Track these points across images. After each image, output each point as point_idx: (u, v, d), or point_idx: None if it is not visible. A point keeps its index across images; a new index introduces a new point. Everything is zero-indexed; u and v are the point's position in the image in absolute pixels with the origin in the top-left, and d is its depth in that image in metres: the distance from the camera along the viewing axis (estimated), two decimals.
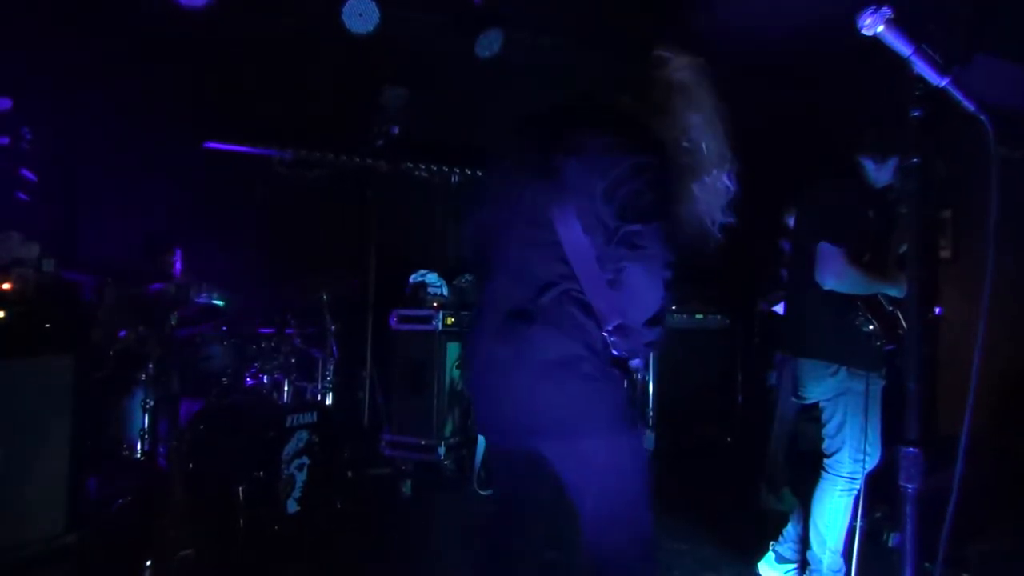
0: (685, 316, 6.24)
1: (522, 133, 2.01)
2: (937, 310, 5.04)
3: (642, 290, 1.76)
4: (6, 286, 2.92)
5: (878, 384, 2.86)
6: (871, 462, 2.87)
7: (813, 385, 2.97)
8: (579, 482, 1.85)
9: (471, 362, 1.95)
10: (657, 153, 1.84)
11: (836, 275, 2.74)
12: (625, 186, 1.75)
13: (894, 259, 2.96)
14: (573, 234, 1.76)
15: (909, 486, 1.21)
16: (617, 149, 1.81)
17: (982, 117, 1.21)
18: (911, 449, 1.21)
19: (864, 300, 2.83)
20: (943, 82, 1.23)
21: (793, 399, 3.24)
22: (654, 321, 1.81)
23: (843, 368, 2.85)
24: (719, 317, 6.33)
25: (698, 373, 6.20)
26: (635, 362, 1.90)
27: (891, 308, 2.89)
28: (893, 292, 2.88)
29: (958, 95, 1.23)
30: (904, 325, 2.86)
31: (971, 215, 5.32)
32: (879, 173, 2.95)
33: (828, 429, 2.94)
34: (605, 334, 1.77)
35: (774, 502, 4.28)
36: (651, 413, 6.01)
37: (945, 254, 5.60)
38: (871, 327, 2.81)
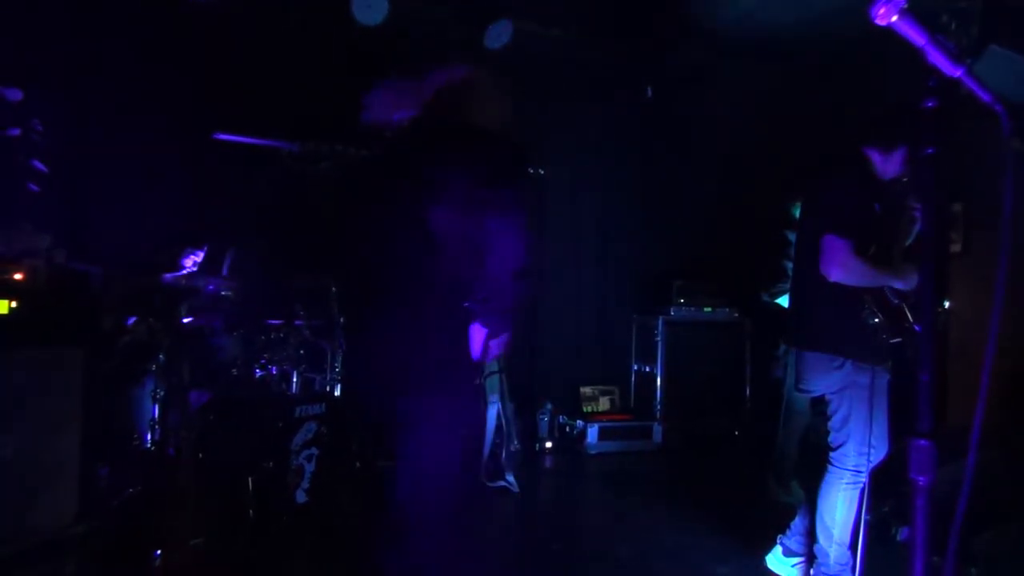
0: (693, 309, 6.23)
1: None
2: (946, 304, 5.02)
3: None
4: (17, 276, 2.93)
5: (884, 377, 2.85)
6: (877, 456, 2.86)
7: (818, 378, 2.96)
8: None
9: None
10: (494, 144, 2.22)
11: (841, 267, 2.73)
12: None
13: (900, 251, 2.95)
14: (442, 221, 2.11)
15: (920, 479, 1.20)
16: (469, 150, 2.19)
17: (997, 108, 1.20)
18: (923, 441, 1.20)
19: (870, 293, 2.82)
20: (957, 72, 1.22)
21: (796, 392, 3.23)
22: (522, 274, 2.04)
23: (848, 361, 2.84)
24: (727, 310, 6.32)
25: (706, 366, 6.20)
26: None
27: (897, 301, 2.87)
28: (899, 285, 2.87)
29: (973, 85, 1.21)
30: (910, 318, 2.87)
31: (982, 208, 5.27)
32: (886, 164, 2.91)
33: (833, 422, 2.93)
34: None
35: (782, 495, 4.28)
36: (659, 406, 6.03)
37: (955, 247, 5.56)
38: (876, 320, 2.80)
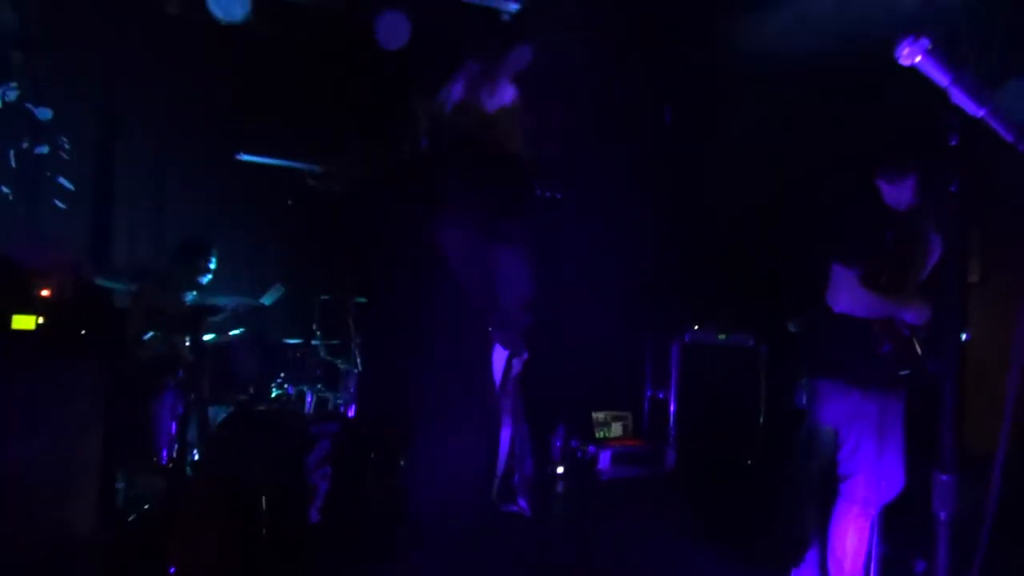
0: (708, 335, 6.22)
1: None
2: (964, 335, 4.99)
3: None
4: (44, 292, 2.99)
5: (895, 408, 2.84)
6: (891, 489, 2.84)
7: (827, 407, 2.94)
8: None
9: None
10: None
11: (847, 297, 2.72)
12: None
13: (914, 283, 2.92)
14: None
15: (942, 513, 1.21)
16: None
17: (1020, 148, 1.22)
18: (945, 476, 1.21)
19: (880, 322, 2.80)
20: (981, 112, 1.24)
21: (810, 420, 3.22)
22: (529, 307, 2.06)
23: (856, 390, 2.82)
24: (742, 336, 6.30)
25: (720, 393, 6.17)
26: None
27: (907, 332, 2.85)
28: (908, 317, 2.84)
29: (996, 125, 1.23)
30: (919, 350, 2.85)
31: (1001, 237, 5.25)
32: (897, 194, 2.86)
33: (842, 453, 2.89)
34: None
35: (797, 526, 4.25)
36: (672, 432, 6.00)
37: (973, 277, 5.53)
38: (886, 350, 2.79)
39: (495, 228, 2.09)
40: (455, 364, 2.20)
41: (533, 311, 2.15)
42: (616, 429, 6.21)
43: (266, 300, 4.43)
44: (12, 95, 4.47)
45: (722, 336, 6.25)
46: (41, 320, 2.88)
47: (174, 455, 3.73)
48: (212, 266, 4.45)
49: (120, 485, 3.60)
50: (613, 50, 5.84)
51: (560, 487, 5.53)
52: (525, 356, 2.28)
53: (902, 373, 2.82)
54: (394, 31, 5.08)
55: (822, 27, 5.07)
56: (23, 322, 2.83)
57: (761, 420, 6.25)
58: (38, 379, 2.89)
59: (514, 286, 2.10)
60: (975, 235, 5.59)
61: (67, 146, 4.87)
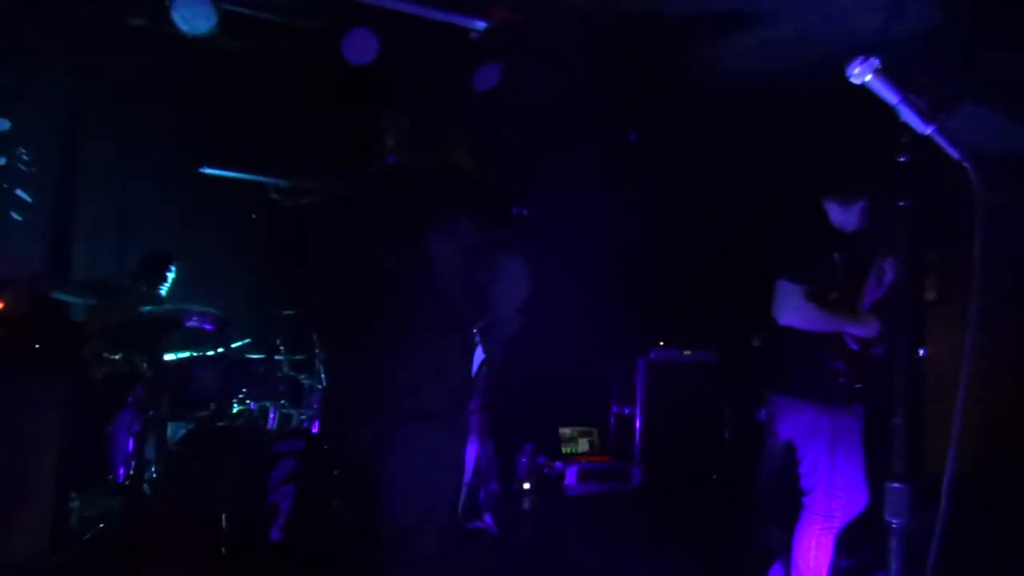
0: (673, 351, 6.27)
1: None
2: (921, 351, 5.10)
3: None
4: None
5: (849, 422, 2.88)
6: (853, 503, 2.88)
7: (784, 421, 3.00)
8: None
9: None
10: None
11: (793, 311, 2.78)
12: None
13: (861, 300, 2.97)
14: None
15: (895, 521, 1.23)
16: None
17: (966, 164, 1.26)
18: (897, 484, 1.23)
19: (829, 338, 2.87)
20: (928, 130, 1.28)
21: (768, 436, 3.27)
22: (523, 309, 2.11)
23: (810, 405, 2.87)
24: (706, 352, 6.36)
25: (685, 408, 6.21)
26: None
27: (856, 347, 2.92)
28: (858, 331, 2.89)
29: (943, 143, 1.27)
30: (870, 365, 2.92)
31: (956, 257, 5.39)
32: (845, 217, 2.96)
33: (803, 467, 2.95)
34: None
35: (761, 539, 4.28)
36: (638, 448, 6.02)
37: (930, 296, 5.66)
38: (839, 365, 2.84)
39: (492, 237, 2.12)
40: (438, 374, 2.18)
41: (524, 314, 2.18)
42: (583, 445, 6.21)
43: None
44: None
45: (686, 352, 6.31)
46: None
47: (131, 473, 3.65)
48: (171, 276, 4.38)
49: (75, 504, 3.51)
50: (578, 69, 5.90)
51: (527, 503, 5.50)
52: (495, 369, 2.29)
53: (856, 387, 2.87)
54: (361, 47, 5.08)
55: (782, 53, 5.19)
56: None
57: (726, 435, 6.30)
58: None
59: (513, 288, 2.14)
60: (932, 255, 5.73)
61: (26, 157, 4.78)
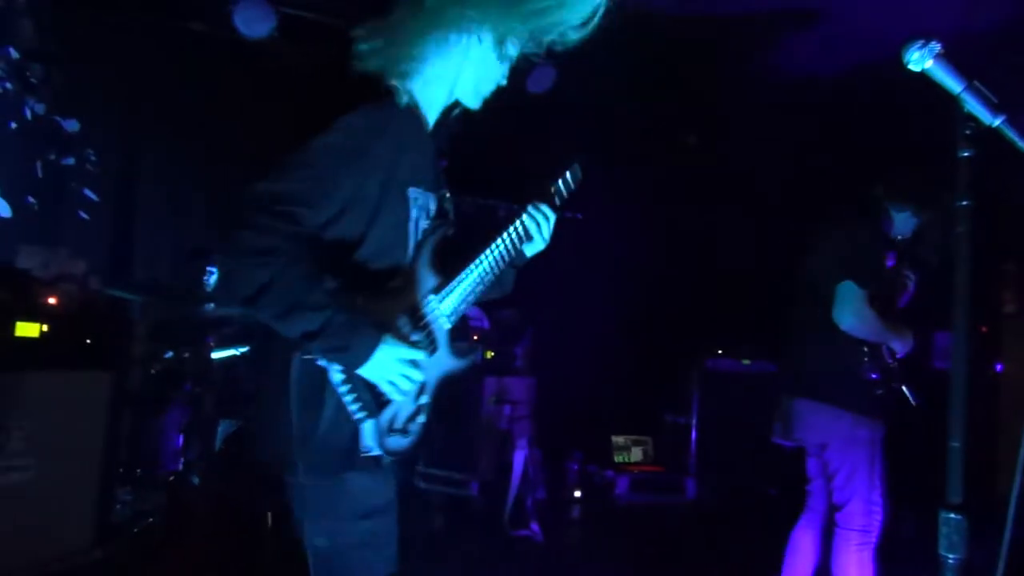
0: (731, 361, 6.08)
1: None
2: (998, 367, 4.81)
3: None
4: (51, 300, 2.98)
5: (881, 435, 2.81)
6: (882, 517, 2.80)
7: (813, 430, 2.89)
8: None
9: None
10: None
11: (855, 316, 2.70)
12: None
13: (894, 312, 2.94)
14: None
15: (950, 556, 1.10)
16: None
17: None
18: (954, 515, 1.10)
19: (871, 348, 2.81)
20: (996, 121, 1.16)
21: (777, 438, 3.13)
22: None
23: (849, 414, 2.78)
24: (766, 363, 6.15)
25: (743, 420, 6.00)
26: None
27: (891, 360, 2.87)
28: (897, 344, 2.86)
29: (1012, 134, 1.14)
30: (901, 379, 2.88)
31: None
32: (905, 223, 2.90)
33: (837, 480, 2.84)
34: None
35: None
36: (693, 459, 5.85)
37: (1009, 308, 5.35)
38: (875, 376, 2.79)
39: None
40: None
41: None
42: (636, 454, 6.08)
43: None
44: (40, 108, 4.54)
45: (746, 361, 6.11)
46: (45, 328, 2.87)
47: (179, 469, 3.70)
48: (213, 273, 4.41)
49: (124, 499, 3.58)
50: (631, 71, 5.79)
51: (576, 512, 5.41)
52: None
53: (878, 392, 2.81)
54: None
55: (842, 53, 5.00)
56: (27, 329, 2.82)
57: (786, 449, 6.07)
58: (41, 388, 2.88)
59: None
60: (1010, 266, 5.42)
61: (93, 158, 4.93)
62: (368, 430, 1.58)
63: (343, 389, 1.53)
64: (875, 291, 2.75)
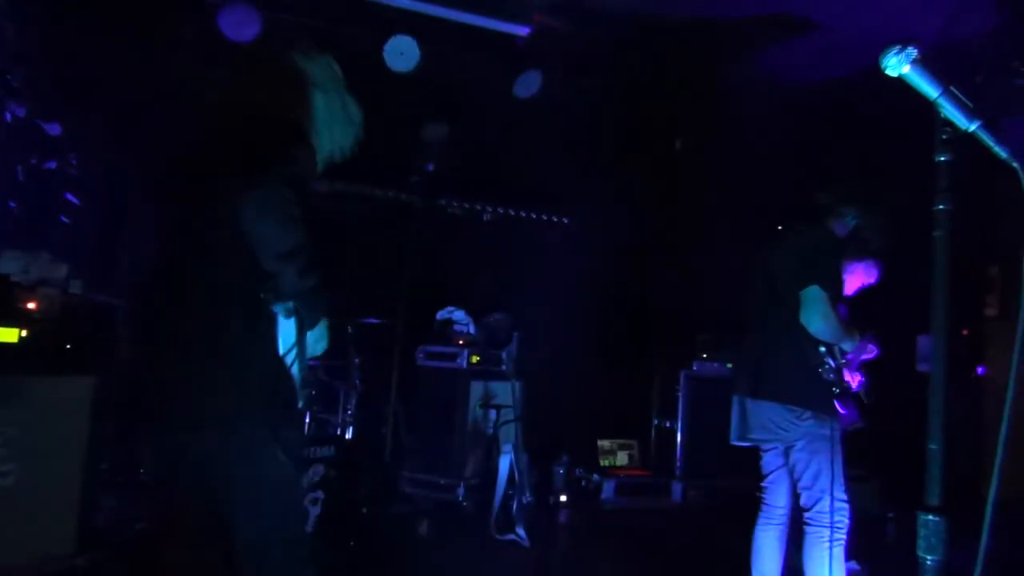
0: (716, 365, 6.10)
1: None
2: (980, 370, 4.85)
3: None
4: (31, 305, 2.96)
5: (837, 430, 2.88)
6: (849, 513, 2.87)
7: (773, 430, 2.95)
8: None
9: None
10: None
11: (824, 320, 2.78)
12: None
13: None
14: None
15: (928, 558, 1.11)
16: None
17: (1015, 165, 1.14)
18: (932, 516, 1.11)
19: (827, 349, 2.91)
20: (973, 126, 1.17)
21: (735, 440, 3.20)
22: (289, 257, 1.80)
23: (810, 413, 2.86)
24: None
25: (728, 423, 6.02)
26: None
27: (842, 361, 2.98)
28: (848, 345, 2.96)
29: (989, 140, 1.15)
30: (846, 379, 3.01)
31: (1021, 271, 5.13)
32: (845, 227, 3.03)
33: (805, 480, 2.91)
34: None
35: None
36: (679, 463, 5.86)
37: (991, 311, 5.40)
38: (832, 376, 2.88)
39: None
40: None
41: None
42: (622, 458, 6.08)
43: None
44: (21, 111, 4.49)
45: (729, 365, 6.12)
46: (24, 333, 2.84)
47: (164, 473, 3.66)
48: None
49: (110, 505, 3.54)
50: (621, 76, 5.82)
51: (562, 516, 5.40)
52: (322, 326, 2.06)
53: (836, 391, 2.90)
54: (401, 55, 5.08)
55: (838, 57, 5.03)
56: (5, 334, 2.80)
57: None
58: (21, 393, 2.85)
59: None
60: (994, 269, 5.47)
61: (75, 162, 4.89)
62: None
63: None
64: (833, 294, 2.85)
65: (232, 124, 2.04)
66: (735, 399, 3.15)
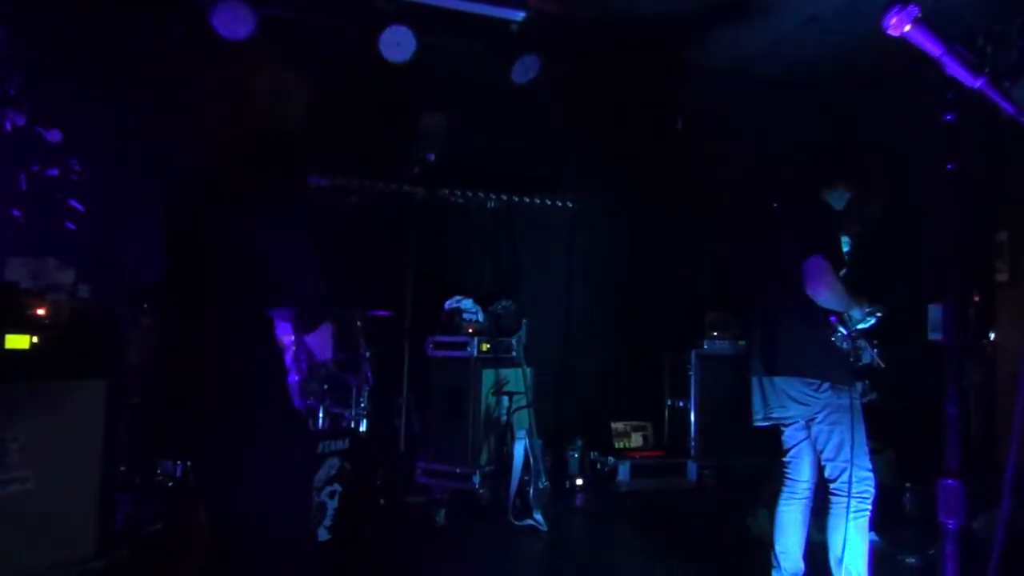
0: (727, 343, 6.08)
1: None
2: (991, 335, 4.82)
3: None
4: (40, 311, 2.96)
5: (859, 400, 2.90)
6: (873, 482, 2.87)
7: (794, 404, 2.95)
8: None
9: None
10: None
11: (828, 289, 2.78)
12: None
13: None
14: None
15: (950, 522, 1.10)
16: None
17: (1022, 121, 1.12)
18: (951, 481, 1.10)
19: (838, 319, 2.91)
20: (978, 83, 1.15)
21: (759, 421, 3.18)
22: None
23: (827, 384, 2.86)
24: None
25: (742, 402, 6.00)
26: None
27: (854, 329, 2.97)
28: (856, 314, 2.95)
29: (995, 96, 1.13)
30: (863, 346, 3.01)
31: None
32: (839, 200, 3.07)
33: (828, 452, 2.91)
34: None
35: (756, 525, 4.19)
36: (693, 443, 5.85)
37: (1002, 277, 5.34)
38: (846, 344, 2.89)
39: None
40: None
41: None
42: (636, 439, 6.08)
43: None
44: (20, 119, 4.50)
45: (742, 343, 6.10)
46: (36, 340, 2.85)
47: (179, 476, 3.68)
48: None
49: (127, 506, 3.56)
50: (618, 57, 5.78)
51: (579, 500, 5.41)
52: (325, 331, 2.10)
53: (851, 360, 2.92)
54: (398, 45, 5.05)
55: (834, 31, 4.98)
56: (17, 341, 2.81)
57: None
58: (36, 399, 2.86)
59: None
60: (1003, 235, 5.41)
61: (77, 168, 4.89)
62: None
63: None
64: (835, 264, 2.86)
65: (233, 135, 2.05)
66: (753, 380, 3.13)
